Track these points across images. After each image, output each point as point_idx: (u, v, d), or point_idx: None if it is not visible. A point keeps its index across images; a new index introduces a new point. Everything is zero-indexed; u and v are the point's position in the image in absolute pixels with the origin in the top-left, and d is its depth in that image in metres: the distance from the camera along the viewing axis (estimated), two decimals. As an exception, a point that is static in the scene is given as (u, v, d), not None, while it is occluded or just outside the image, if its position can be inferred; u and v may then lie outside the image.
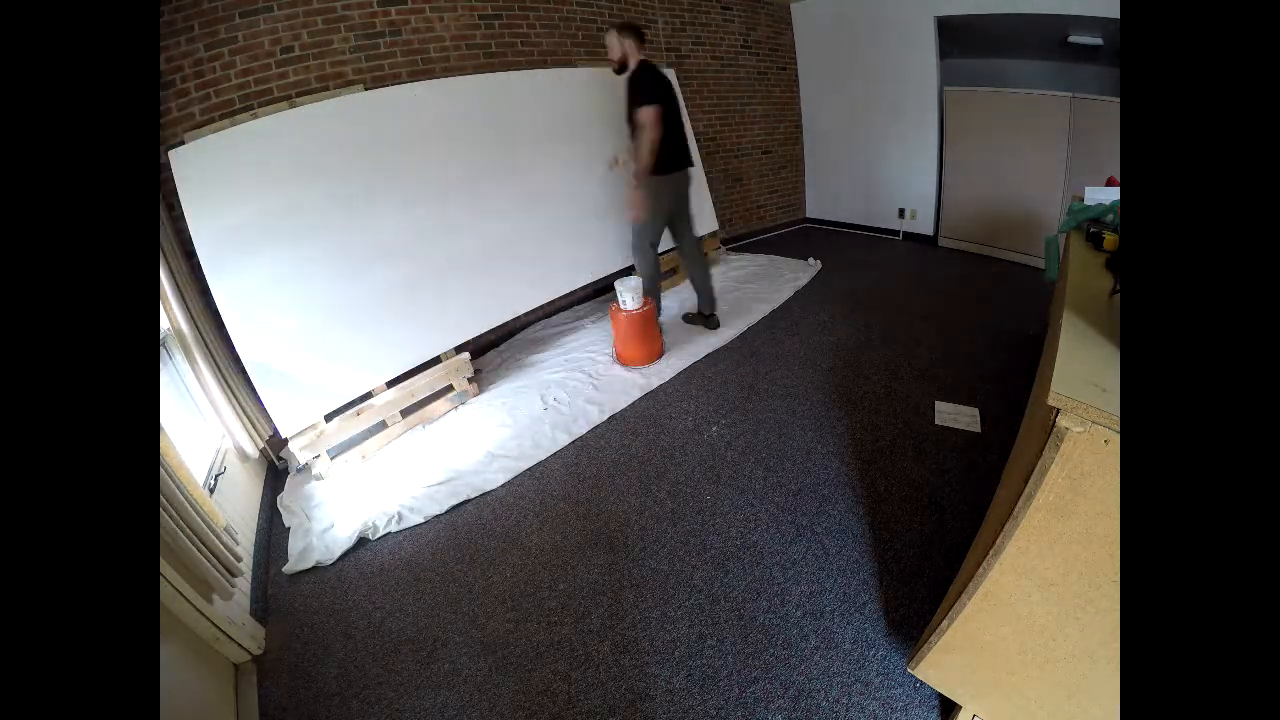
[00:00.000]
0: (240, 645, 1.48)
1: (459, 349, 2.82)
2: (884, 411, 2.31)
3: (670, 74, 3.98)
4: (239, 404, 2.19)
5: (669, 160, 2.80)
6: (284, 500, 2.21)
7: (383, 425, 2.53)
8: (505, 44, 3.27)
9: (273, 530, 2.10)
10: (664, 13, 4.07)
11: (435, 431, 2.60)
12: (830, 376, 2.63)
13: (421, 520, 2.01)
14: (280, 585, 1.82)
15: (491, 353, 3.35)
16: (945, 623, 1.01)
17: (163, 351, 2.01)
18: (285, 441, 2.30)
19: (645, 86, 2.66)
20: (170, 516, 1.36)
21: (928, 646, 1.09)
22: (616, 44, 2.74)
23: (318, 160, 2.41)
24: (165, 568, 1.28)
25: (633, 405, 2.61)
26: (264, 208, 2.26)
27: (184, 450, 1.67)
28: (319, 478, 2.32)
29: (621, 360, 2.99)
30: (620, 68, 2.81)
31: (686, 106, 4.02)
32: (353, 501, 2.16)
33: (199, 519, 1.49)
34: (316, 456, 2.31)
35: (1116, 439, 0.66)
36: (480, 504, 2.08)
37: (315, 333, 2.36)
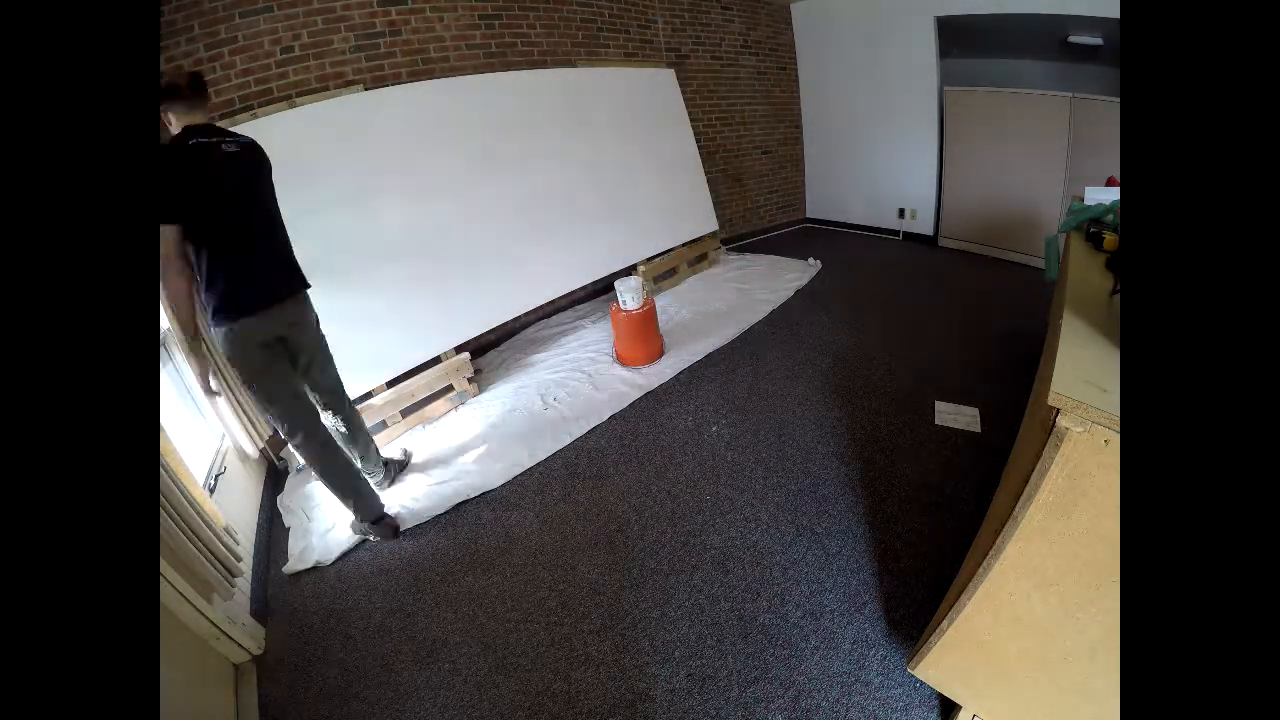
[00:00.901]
0: (240, 645, 1.48)
1: (459, 349, 2.82)
2: (884, 412, 2.31)
3: (669, 75, 3.98)
4: (239, 404, 2.19)
5: (230, 288, 1.55)
6: (284, 500, 2.21)
7: (383, 425, 2.53)
8: (505, 44, 3.27)
9: (273, 530, 2.10)
10: (664, 13, 4.07)
11: (435, 431, 2.60)
12: (830, 376, 2.63)
13: (422, 520, 2.01)
14: (280, 585, 1.82)
15: (491, 353, 3.35)
16: (945, 623, 1.01)
17: (163, 351, 2.01)
18: (285, 441, 2.29)
19: (158, 184, 1.41)
20: (170, 516, 1.36)
21: (928, 646, 1.09)
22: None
23: (317, 160, 2.41)
24: (165, 568, 1.28)
25: (633, 405, 2.61)
26: (264, 208, 2.25)
27: (184, 450, 1.67)
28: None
29: (621, 360, 2.99)
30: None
31: (687, 106, 4.03)
32: (353, 501, 2.15)
33: (199, 519, 1.49)
34: (316, 456, 2.30)
35: (1116, 439, 0.66)
36: (480, 504, 2.08)
37: (315, 333, 2.36)
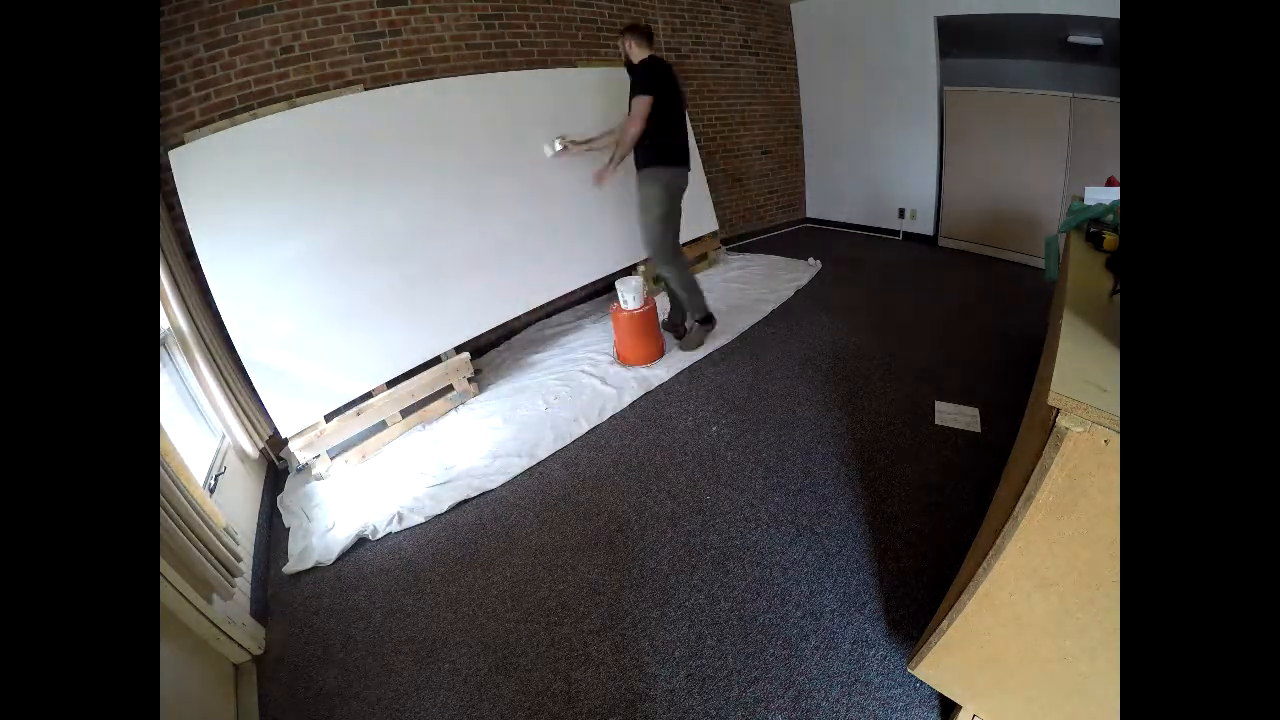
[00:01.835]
0: (240, 645, 1.48)
1: (459, 349, 2.82)
2: (884, 411, 2.31)
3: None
4: (239, 404, 2.19)
5: (672, 153, 2.73)
6: (284, 500, 2.21)
7: (383, 425, 2.53)
8: (505, 44, 3.27)
9: (273, 530, 2.10)
10: (664, 13, 4.07)
11: (435, 431, 2.60)
12: (830, 376, 2.63)
13: (421, 520, 2.01)
14: (280, 585, 1.82)
15: (491, 353, 3.35)
16: (945, 623, 1.01)
17: (163, 351, 2.01)
18: (285, 441, 2.30)
19: (641, 76, 2.61)
20: (170, 516, 1.36)
21: (928, 646, 1.09)
22: (621, 46, 2.76)
23: (318, 160, 2.41)
24: (165, 568, 1.28)
25: (633, 405, 2.61)
26: (264, 208, 2.26)
27: (184, 450, 1.67)
28: (319, 478, 2.32)
29: (622, 360, 2.99)
30: (629, 66, 2.78)
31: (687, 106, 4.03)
32: (353, 501, 2.16)
33: (199, 519, 1.49)
34: (316, 456, 2.31)
35: (1116, 439, 0.66)
36: (480, 504, 2.08)
37: (315, 332, 2.36)
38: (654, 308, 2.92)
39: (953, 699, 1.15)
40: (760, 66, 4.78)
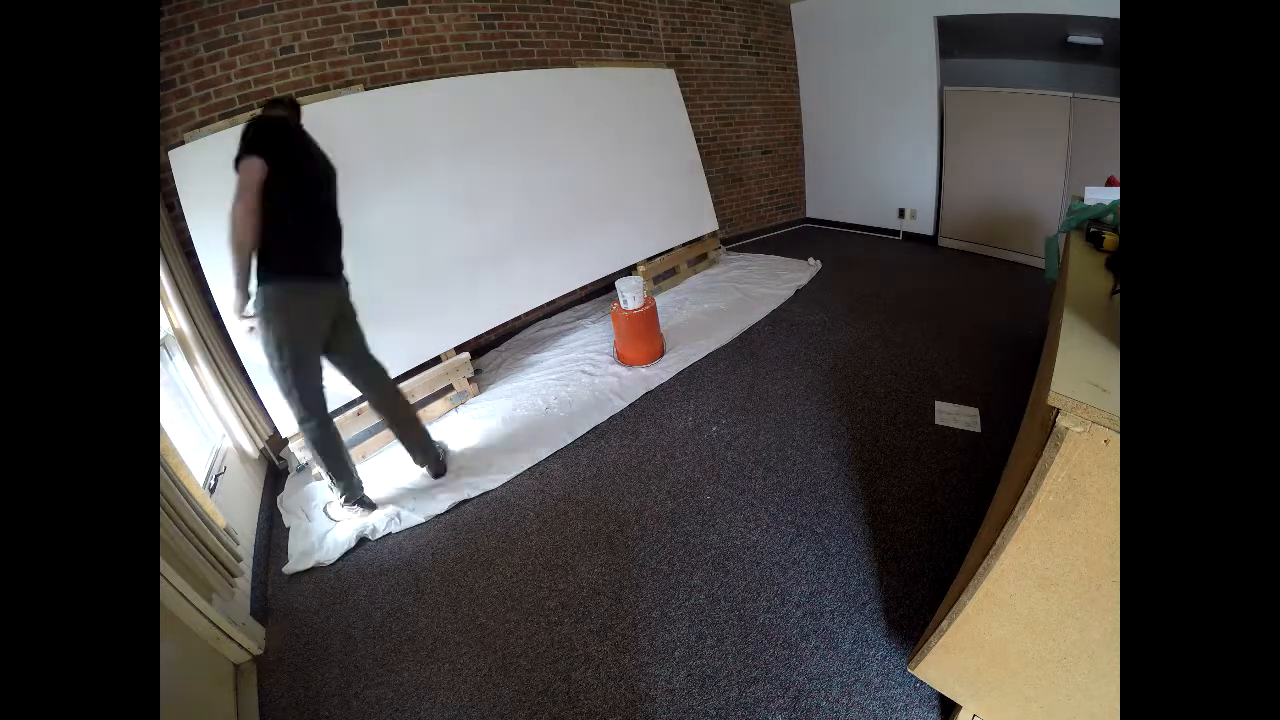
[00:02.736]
0: (240, 645, 1.48)
1: (459, 349, 2.82)
2: (884, 411, 2.31)
3: (669, 75, 3.98)
4: (239, 404, 2.19)
5: (293, 247, 1.73)
6: (284, 500, 2.21)
7: (383, 425, 2.52)
8: (505, 44, 3.27)
9: (273, 530, 2.10)
10: (664, 13, 4.08)
11: (435, 431, 2.59)
12: (830, 376, 2.63)
13: (421, 520, 2.01)
14: (280, 585, 1.82)
15: (491, 353, 3.35)
16: (945, 623, 1.01)
17: (163, 351, 2.01)
18: (285, 441, 2.30)
19: (247, 137, 1.69)
20: (170, 516, 1.36)
21: (928, 646, 1.09)
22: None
23: (318, 160, 2.40)
24: (165, 568, 1.28)
25: (633, 405, 2.61)
26: (264, 208, 2.25)
27: (184, 450, 1.67)
28: (319, 478, 2.31)
29: (622, 360, 2.99)
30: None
31: (687, 106, 4.03)
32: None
33: (199, 519, 1.49)
34: (316, 456, 2.30)
35: (1116, 439, 0.66)
36: (480, 504, 2.08)
37: (315, 333, 2.36)
38: (654, 307, 2.92)
39: (953, 699, 1.15)
40: (760, 66, 4.78)
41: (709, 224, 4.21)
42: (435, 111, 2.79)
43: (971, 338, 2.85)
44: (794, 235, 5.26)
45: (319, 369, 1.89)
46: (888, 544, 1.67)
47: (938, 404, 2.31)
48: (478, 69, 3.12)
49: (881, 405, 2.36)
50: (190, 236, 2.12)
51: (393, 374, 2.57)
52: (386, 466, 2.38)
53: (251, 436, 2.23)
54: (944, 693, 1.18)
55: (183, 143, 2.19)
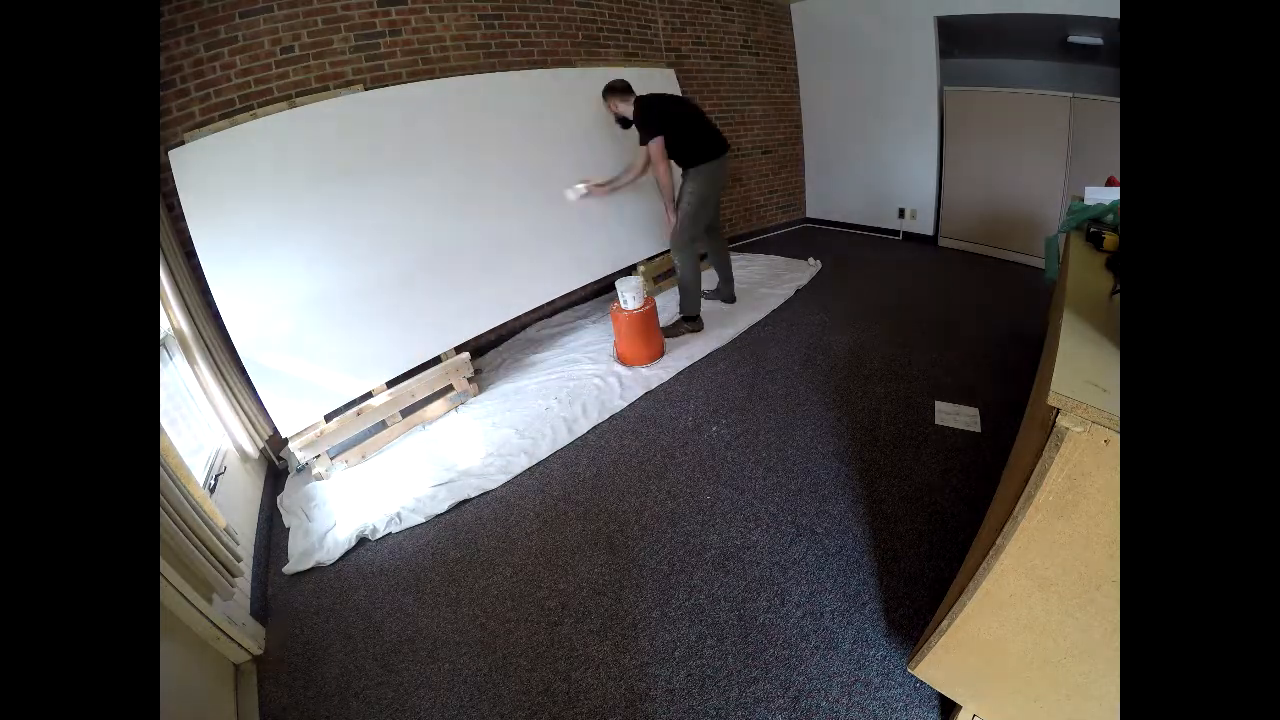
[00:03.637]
0: (240, 645, 1.48)
1: (459, 349, 2.82)
2: (884, 411, 2.31)
3: (669, 75, 3.99)
4: (239, 404, 2.19)
5: (699, 152, 2.91)
6: (284, 500, 2.21)
7: (383, 425, 2.53)
8: (505, 44, 3.27)
9: (273, 530, 2.10)
10: (664, 13, 4.07)
11: (435, 431, 2.60)
12: (830, 376, 2.63)
13: (422, 520, 2.01)
14: (280, 585, 1.82)
15: (491, 353, 3.35)
16: (945, 623, 1.01)
17: (163, 351, 2.01)
18: (285, 441, 2.30)
19: (641, 121, 2.85)
20: (170, 516, 1.36)
21: (928, 646, 1.09)
22: (608, 108, 3.03)
23: (317, 160, 2.41)
24: (165, 568, 1.28)
25: (633, 405, 2.61)
26: (264, 207, 2.26)
27: (184, 450, 1.67)
28: (319, 478, 2.32)
29: (622, 360, 2.99)
30: (625, 123, 3.02)
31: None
32: (353, 501, 2.16)
33: (199, 519, 1.49)
34: (316, 456, 2.31)
35: (1116, 439, 0.66)
36: (480, 504, 2.08)
37: (315, 332, 2.36)
38: (654, 307, 2.92)
39: (953, 699, 1.15)
40: (760, 66, 4.78)
41: (709, 224, 4.21)
42: (435, 111, 2.78)
43: (971, 338, 2.85)
44: (794, 235, 5.26)
45: (709, 220, 3.16)
46: (888, 544, 1.67)
47: (938, 404, 2.31)
48: (478, 69, 3.12)
49: (881, 405, 2.36)
50: (190, 236, 2.12)
51: (393, 374, 2.59)
52: (386, 467, 2.38)
53: (251, 436, 2.23)
54: (944, 693, 1.18)
55: (183, 143, 2.19)
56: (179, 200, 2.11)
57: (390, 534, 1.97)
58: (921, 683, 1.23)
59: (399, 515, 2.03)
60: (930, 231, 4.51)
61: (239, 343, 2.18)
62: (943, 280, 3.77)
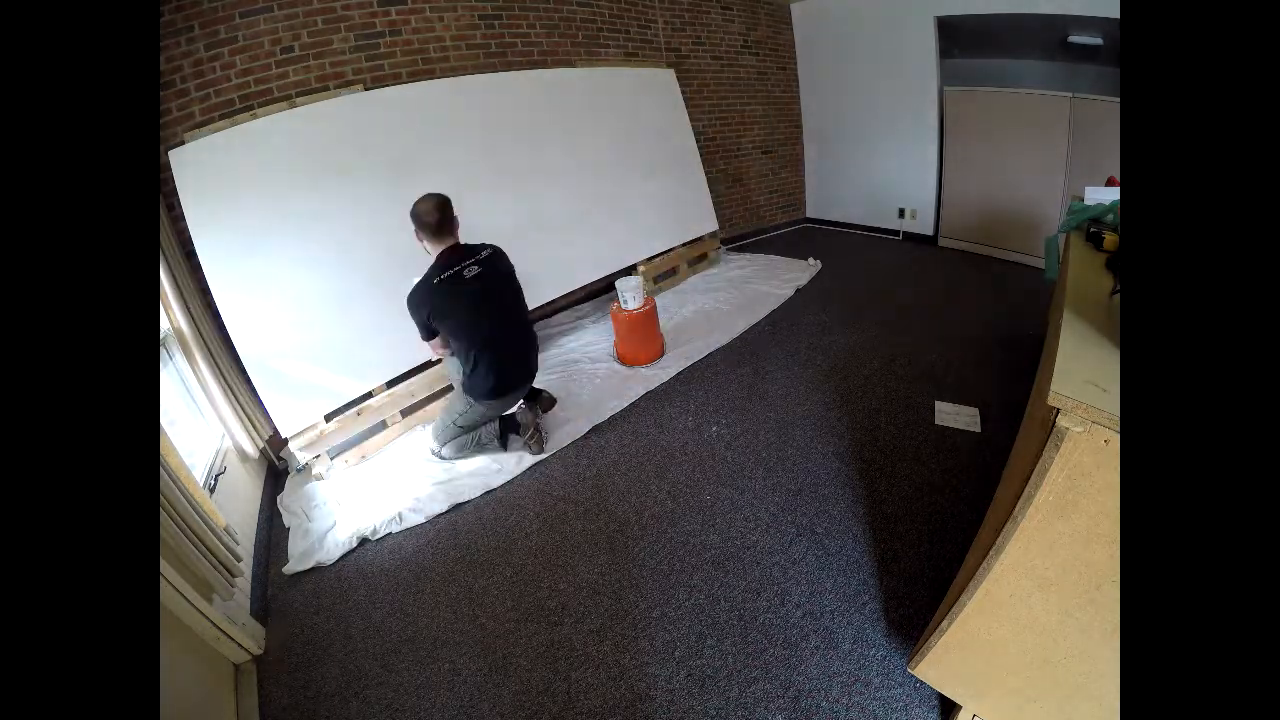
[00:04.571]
0: (240, 645, 1.48)
1: (459, 349, 2.82)
2: (884, 411, 2.31)
3: (669, 75, 3.97)
4: (239, 404, 2.19)
5: (487, 386, 2.12)
6: (284, 500, 2.21)
7: (383, 425, 2.53)
8: (505, 44, 3.27)
9: (273, 530, 2.10)
10: (664, 12, 4.07)
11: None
12: (830, 376, 2.63)
13: (421, 520, 2.01)
14: (280, 585, 1.82)
15: (491, 353, 3.34)
16: (945, 623, 1.01)
17: (163, 351, 2.01)
18: (285, 441, 2.30)
19: (413, 301, 2.01)
20: (170, 516, 1.36)
21: (928, 646, 1.09)
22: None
23: (318, 160, 2.41)
24: (165, 568, 1.28)
25: (633, 405, 2.61)
26: (264, 207, 2.26)
27: (184, 450, 1.67)
28: (319, 478, 2.31)
29: (622, 360, 2.99)
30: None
31: (687, 106, 4.02)
32: (353, 501, 2.16)
33: (199, 519, 1.49)
34: (316, 456, 2.31)
35: (1116, 439, 0.66)
36: (480, 504, 2.08)
37: (315, 332, 2.36)
38: (654, 307, 2.92)
39: (953, 699, 1.15)
40: (760, 66, 4.78)
41: (709, 224, 4.21)
42: (435, 111, 2.78)
43: (971, 338, 2.85)
44: (794, 235, 5.26)
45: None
46: (888, 544, 1.67)
47: (938, 404, 2.31)
48: (478, 69, 3.12)
49: (881, 405, 2.36)
50: (190, 236, 2.12)
51: (393, 374, 2.59)
52: (386, 467, 2.38)
53: (251, 436, 2.23)
54: (944, 693, 1.18)
55: (183, 143, 2.19)
56: (179, 200, 2.11)
57: (390, 534, 1.97)
58: (921, 683, 1.23)
59: (399, 515, 2.03)
60: (930, 231, 4.51)
61: (239, 343, 2.18)
62: (943, 280, 3.77)
